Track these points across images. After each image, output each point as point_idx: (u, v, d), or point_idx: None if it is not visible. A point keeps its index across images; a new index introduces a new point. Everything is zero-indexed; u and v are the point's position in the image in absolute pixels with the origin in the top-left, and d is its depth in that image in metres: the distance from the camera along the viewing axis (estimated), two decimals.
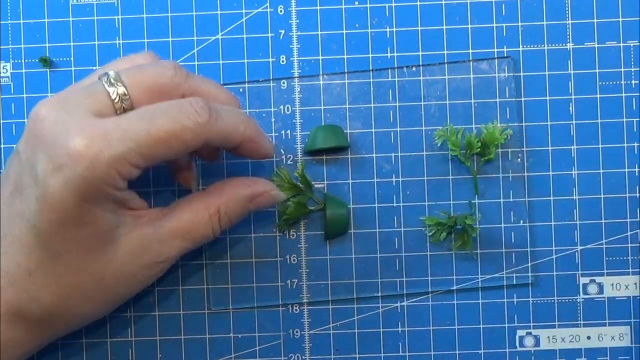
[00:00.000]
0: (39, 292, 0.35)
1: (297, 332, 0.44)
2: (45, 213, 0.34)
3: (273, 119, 0.44)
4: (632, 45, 0.44)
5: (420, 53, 0.44)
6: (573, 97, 0.44)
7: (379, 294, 0.44)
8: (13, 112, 0.44)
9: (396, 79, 0.44)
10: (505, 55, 0.44)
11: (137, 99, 0.35)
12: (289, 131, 0.44)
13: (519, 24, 0.44)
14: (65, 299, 0.36)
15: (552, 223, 0.44)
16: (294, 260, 0.44)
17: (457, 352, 0.44)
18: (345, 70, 0.44)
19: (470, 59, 0.44)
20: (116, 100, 0.35)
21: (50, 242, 0.34)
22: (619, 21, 0.44)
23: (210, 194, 0.39)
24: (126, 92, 0.35)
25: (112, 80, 0.35)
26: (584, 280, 0.44)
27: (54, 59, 0.44)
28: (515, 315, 0.44)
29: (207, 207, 0.38)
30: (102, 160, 0.33)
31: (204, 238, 0.38)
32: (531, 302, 0.44)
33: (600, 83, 0.44)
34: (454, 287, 0.44)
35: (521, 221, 0.44)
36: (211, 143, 0.36)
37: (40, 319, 0.36)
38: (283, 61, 0.44)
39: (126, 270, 0.36)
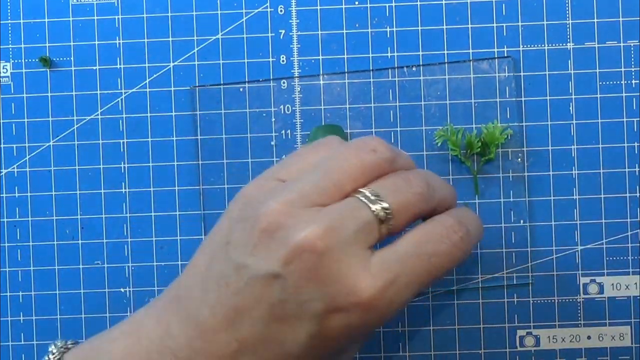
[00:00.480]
0: None
1: None
2: (314, 350, 0.31)
3: (273, 119, 0.44)
4: (632, 45, 0.44)
5: (420, 53, 0.44)
6: (573, 97, 0.44)
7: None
8: (13, 112, 0.44)
9: (396, 79, 0.44)
10: (505, 55, 0.44)
11: (398, 222, 0.32)
12: (289, 131, 0.44)
13: (519, 24, 0.44)
14: None
15: (552, 223, 0.44)
16: None
17: (457, 352, 0.44)
18: (345, 70, 0.44)
19: (471, 59, 0.44)
20: (383, 227, 0.32)
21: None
22: (619, 21, 0.44)
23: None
24: (391, 216, 0.32)
25: (378, 203, 0.32)
26: (584, 280, 0.44)
27: (54, 59, 0.44)
28: (516, 315, 0.44)
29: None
30: (392, 309, 0.31)
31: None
32: (531, 302, 0.44)
33: (600, 83, 0.44)
34: (454, 287, 0.44)
35: (521, 221, 0.44)
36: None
37: None
38: (283, 61, 0.44)
39: None
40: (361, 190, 0.32)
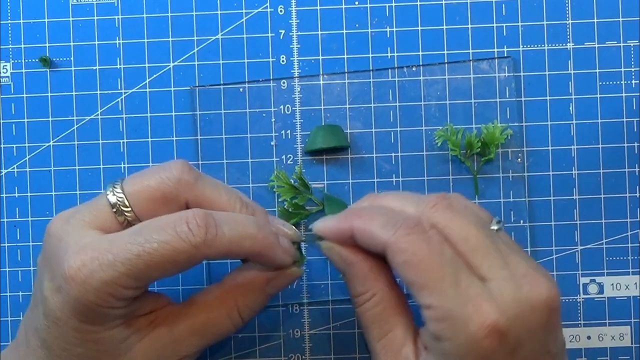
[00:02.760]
0: None
1: (297, 332, 0.44)
2: (51, 330, 0.33)
3: (273, 119, 0.44)
4: (632, 45, 0.44)
5: (420, 53, 0.44)
6: (573, 97, 0.44)
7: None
8: (13, 112, 0.44)
9: (396, 79, 0.44)
10: (505, 55, 0.44)
11: (139, 210, 0.34)
12: (289, 131, 0.44)
13: (519, 24, 0.44)
14: None
15: (552, 223, 0.44)
16: None
17: None
18: (345, 70, 0.44)
19: (470, 59, 0.44)
20: (117, 214, 0.34)
21: (57, 356, 0.34)
22: (619, 21, 0.44)
23: (226, 287, 0.36)
24: (127, 204, 0.34)
25: (116, 191, 0.34)
26: (584, 280, 0.44)
27: (54, 59, 0.44)
28: None
29: (223, 303, 0.36)
30: (92, 284, 0.32)
31: (225, 332, 0.36)
32: None
33: (600, 83, 0.44)
34: None
35: (521, 221, 0.44)
36: (214, 259, 0.35)
37: None
38: (283, 61, 0.44)
39: None
40: (113, 181, 0.35)
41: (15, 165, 0.44)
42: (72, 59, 0.44)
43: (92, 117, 0.44)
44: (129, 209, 0.34)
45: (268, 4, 0.44)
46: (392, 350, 0.35)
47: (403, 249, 0.32)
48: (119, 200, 0.34)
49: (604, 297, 0.44)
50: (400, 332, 0.35)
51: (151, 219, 0.33)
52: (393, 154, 0.44)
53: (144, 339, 0.35)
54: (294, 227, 0.38)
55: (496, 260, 0.32)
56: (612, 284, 0.44)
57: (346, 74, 0.44)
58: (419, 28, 0.44)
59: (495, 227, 0.34)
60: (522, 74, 0.44)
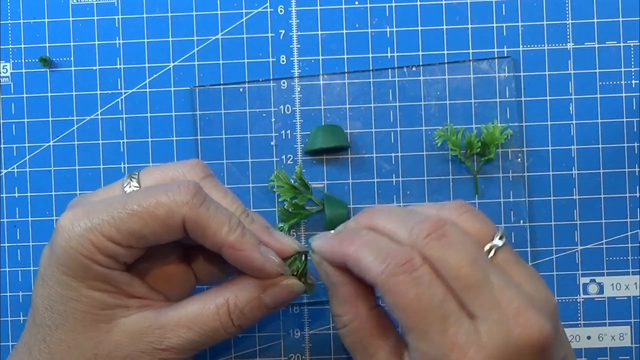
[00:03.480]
0: None
1: (297, 332, 0.44)
2: (38, 287, 0.34)
3: (273, 119, 0.44)
4: (632, 45, 0.44)
5: (420, 53, 0.44)
6: (573, 97, 0.44)
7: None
8: (13, 112, 0.44)
9: (396, 79, 0.44)
10: (505, 55, 0.44)
11: None
12: (289, 131, 0.44)
13: (519, 24, 0.44)
14: None
15: (552, 223, 0.44)
16: None
17: None
18: (345, 70, 0.44)
19: (470, 59, 0.44)
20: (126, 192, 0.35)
21: (40, 316, 0.34)
22: (619, 21, 0.44)
23: (221, 286, 0.36)
24: (138, 186, 0.35)
25: (132, 176, 0.35)
26: (584, 280, 0.44)
27: (54, 59, 0.44)
28: None
29: (214, 297, 0.35)
30: (76, 231, 0.33)
31: (213, 332, 0.35)
32: None
33: (600, 83, 0.44)
34: None
35: (521, 221, 0.44)
36: (189, 231, 0.34)
37: None
38: (283, 61, 0.44)
39: (123, 353, 0.35)
40: (130, 174, 0.36)
41: (15, 165, 0.44)
42: (72, 59, 0.44)
43: (92, 117, 0.44)
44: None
45: (268, 4, 0.44)
46: None
47: (392, 291, 0.31)
48: (131, 181, 0.35)
49: (604, 297, 0.44)
50: (384, 356, 0.34)
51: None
52: (393, 154, 0.44)
53: (131, 315, 0.35)
54: (291, 241, 0.37)
55: (487, 300, 0.31)
56: (612, 284, 0.44)
57: (346, 74, 0.44)
58: (419, 28, 0.44)
59: (499, 243, 0.34)
60: (522, 74, 0.44)
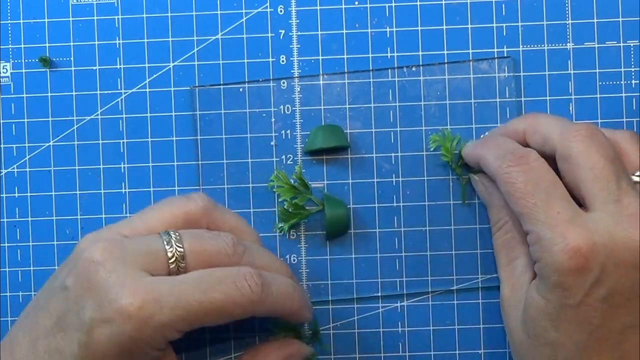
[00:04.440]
0: None
1: None
2: (81, 357, 0.33)
3: (273, 119, 0.44)
4: (632, 45, 0.44)
5: (420, 53, 0.44)
6: (573, 97, 0.44)
7: (379, 294, 0.44)
8: (13, 112, 0.44)
9: (396, 79, 0.44)
10: (505, 55, 0.44)
11: (192, 265, 0.35)
12: (289, 131, 0.44)
13: (519, 24, 0.44)
14: None
15: None
16: (294, 260, 0.44)
17: (457, 352, 0.44)
18: (345, 70, 0.44)
19: (470, 59, 0.44)
20: (172, 264, 0.35)
21: None
22: (619, 21, 0.44)
23: None
24: (184, 257, 0.35)
25: (174, 242, 0.35)
26: None
27: (54, 59, 0.44)
28: None
29: None
30: (151, 325, 0.33)
31: None
32: None
33: (600, 83, 0.44)
34: (454, 287, 0.44)
35: None
36: (256, 315, 0.36)
37: None
38: (283, 61, 0.44)
39: None
40: (169, 231, 0.36)
41: (15, 165, 0.44)
42: (72, 59, 0.44)
43: (92, 117, 0.44)
44: (184, 263, 0.35)
45: (268, 4, 0.44)
46: (514, 277, 0.39)
47: (505, 180, 0.36)
48: (177, 251, 0.35)
49: None
50: (523, 262, 0.38)
51: (209, 269, 0.35)
52: (393, 154, 0.44)
53: None
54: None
55: (610, 195, 0.34)
56: None
57: (346, 74, 0.44)
58: (419, 28, 0.44)
59: (637, 180, 0.36)
60: (522, 74, 0.44)
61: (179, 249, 0.35)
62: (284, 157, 0.44)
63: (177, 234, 0.36)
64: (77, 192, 0.44)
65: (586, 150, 0.35)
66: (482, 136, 0.43)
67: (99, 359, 0.33)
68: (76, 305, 0.34)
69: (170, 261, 0.35)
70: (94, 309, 0.33)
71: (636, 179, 0.37)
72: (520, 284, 0.38)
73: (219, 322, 0.35)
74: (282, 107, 0.44)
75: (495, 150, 0.38)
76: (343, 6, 0.44)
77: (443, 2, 0.44)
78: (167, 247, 0.35)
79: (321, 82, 0.44)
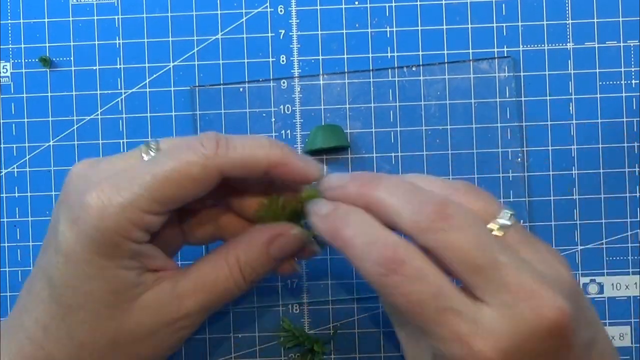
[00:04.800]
0: (53, 349, 0.34)
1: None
2: (60, 265, 0.33)
3: (273, 119, 0.44)
4: (632, 45, 0.44)
5: (420, 53, 0.44)
6: (573, 97, 0.44)
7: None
8: (13, 112, 0.44)
9: (396, 79, 0.44)
10: (505, 55, 0.44)
11: None
12: (289, 131, 0.44)
13: (519, 24, 0.44)
14: (78, 358, 0.34)
15: (552, 223, 0.44)
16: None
17: None
18: (345, 70, 0.44)
19: (470, 59, 0.44)
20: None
21: (63, 295, 0.33)
22: (619, 21, 0.44)
23: (228, 244, 0.36)
24: (159, 150, 0.34)
25: (150, 145, 0.35)
26: (584, 280, 0.44)
27: (54, 59, 0.44)
28: None
29: (225, 258, 0.35)
30: (110, 209, 0.32)
31: (227, 292, 0.36)
32: None
33: (600, 83, 0.44)
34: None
35: (521, 221, 0.44)
36: (231, 175, 0.34)
37: None
38: (283, 61, 0.44)
39: (144, 330, 0.34)
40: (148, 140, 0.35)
41: (15, 165, 0.44)
42: (72, 59, 0.44)
43: (92, 117, 0.44)
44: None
45: (268, 4, 0.44)
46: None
47: (387, 293, 0.31)
48: (151, 150, 0.35)
49: (604, 297, 0.44)
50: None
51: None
52: (393, 154, 0.44)
53: (148, 291, 0.34)
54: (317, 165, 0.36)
55: (496, 283, 0.29)
56: (612, 284, 0.44)
57: (346, 74, 0.44)
58: (419, 28, 0.44)
59: (508, 223, 0.32)
60: (522, 74, 0.44)
61: (153, 145, 0.35)
62: None
63: (155, 140, 0.35)
64: None
65: (449, 240, 0.30)
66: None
67: (73, 262, 0.33)
68: (53, 224, 0.34)
69: (145, 157, 0.34)
70: (65, 214, 0.33)
71: (501, 221, 0.32)
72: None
73: (189, 192, 0.33)
74: (282, 107, 0.44)
75: (359, 243, 0.31)
76: (343, 6, 0.44)
77: (443, 2, 0.44)
78: (143, 151, 0.35)
79: (321, 82, 0.44)
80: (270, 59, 0.44)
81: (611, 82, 0.44)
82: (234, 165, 0.33)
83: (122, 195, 0.32)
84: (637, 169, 0.44)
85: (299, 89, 0.44)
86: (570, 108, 0.44)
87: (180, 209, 0.35)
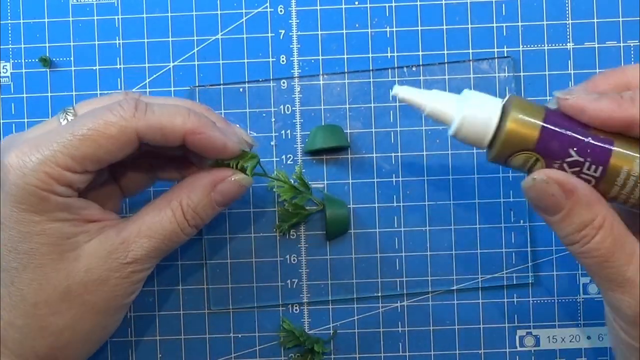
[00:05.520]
0: (10, 315, 0.35)
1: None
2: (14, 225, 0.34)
3: (273, 119, 0.44)
4: (632, 45, 0.44)
5: (420, 53, 0.44)
6: None
7: (379, 294, 0.44)
8: (13, 112, 0.44)
9: (396, 79, 0.44)
10: (505, 55, 0.44)
11: None
12: (289, 131, 0.44)
13: (519, 24, 0.44)
14: (36, 317, 0.35)
15: None
16: (294, 260, 0.44)
17: (457, 352, 0.44)
18: (345, 70, 0.44)
19: (470, 59, 0.44)
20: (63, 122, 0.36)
21: (5, 261, 0.34)
22: (619, 21, 0.44)
23: (173, 189, 0.37)
24: (75, 114, 0.36)
25: (67, 110, 0.36)
26: (584, 280, 0.44)
27: (54, 59, 0.44)
28: (515, 315, 0.44)
29: (168, 202, 0.36)
30: (29, 166, 0.33)
31: (173, 235, 0.36)
32: (531, 302, 0.44)
33: None
34: (454, 287, 0.44)
35: (521, 221, 0.44)
36: (148, 139, 0.34)
37: (21, 344, 0.35)
38: (283, 61, 0.44)
39: (93, 277, 0.35)
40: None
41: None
42: (72, 59, 0.44)
43: None
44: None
45: (268, 4, 0.44)
46: None
47: None
48: (67, 115, 0.36)
49: None
50: None
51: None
52: (393, 154, 0.44)
53: (93, 239, 0.35)
54: (243, 133, 0.39)
55: None
56: None
57: (346, 74, 0.44)
58: (419, 28, 0.44)
59: None
60: (522, 74, 0.44)
61: (70, 115, 0.36)
62: (284, 157, 0.44)
63: (72, 106, 0.37)
64: None
65: None
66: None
67: (7, 222, 0.34)
68: None
69: (61, 122, 0.36)
70: None
71: None
72: None
73: (108, 152, 0.34)
74: (282, 107, 0.44)
75: None
76: (343, 6, 0.44)
77: (443, 2, 0.44)
78: (60, 117, 0.36)
79: (321, 82, 0.44)
80: (270, 59, 0.44)
81: None
82: (151, 129, 0.34)
83: (41, 151, 0.33)
84: None
85: (299, 89, 0.44)
86: None
87: (113, 166, 0.36)
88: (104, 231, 0.36)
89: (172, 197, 0.36)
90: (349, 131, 0.44)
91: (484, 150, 0.34)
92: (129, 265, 0.36)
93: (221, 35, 0.44)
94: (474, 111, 0.32)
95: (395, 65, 0.44)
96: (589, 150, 0.30)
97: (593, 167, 0.30)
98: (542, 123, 0.31)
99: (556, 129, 0.31)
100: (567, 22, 0.44)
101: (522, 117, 0.31)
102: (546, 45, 0.44)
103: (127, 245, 0.35)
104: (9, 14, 0.45)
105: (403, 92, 0.35)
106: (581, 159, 0.30)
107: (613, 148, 0.30)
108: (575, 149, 0.31)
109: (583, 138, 0.31)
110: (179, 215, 0.36)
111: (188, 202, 0.36)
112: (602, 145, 0.30)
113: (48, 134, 0.34)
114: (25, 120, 0.44)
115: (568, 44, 0.44)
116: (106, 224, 0.36)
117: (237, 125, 0.40)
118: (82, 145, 0.33)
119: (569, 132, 0.31)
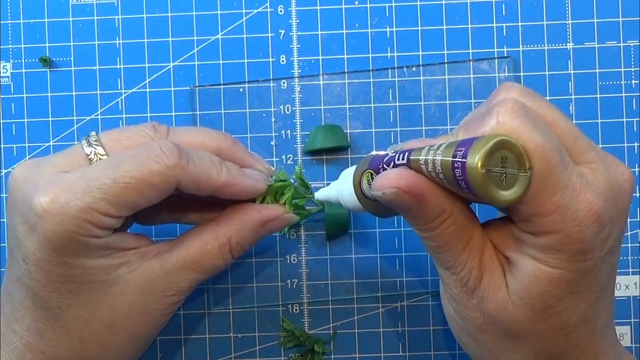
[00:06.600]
0: (54, 351, 0.34)
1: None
2: (33, 274, 0.33)
3: (273, 119, 0.44)
4: (632, 45, 0.44)
5: (420, 53, 0.44)
6: (573, 97, 0.44)
7: (379, 294, 0.44)
8: (13, 112, 0.44)
9: (396, 79, 0.44)
10: (505, 55, 0.44)
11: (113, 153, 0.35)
12: (289, 131, 0.44)
13: (519, 24, 0.44)
14: (81, 351, 0.35)
15: None
16: (294, 260, 0.44)
17: (457, 352, 0.44)
18: (345, 70, 0.44)
19: (470, 59, 0.44)
20: (93, 160, 0.35)
21: (46, 301, 0.34)
22: (619, 21, 0.44)
23: (220, 223, 0.37)
24: (104, 152, 0.35)
25: (92, 141, 0.35)
26: None
27: (54, 59, 0.44)
28: None
29: (216, 237, 0.36)
30: (68, 214, 0.32)
31: (215, 268, 0.37)
32: None
33: (600, 83, 0.44)
34: None
35: None
36: (183, 188, 0.34)
37: None
38: (283, 61, 0.44)
39: (137, 310, 0.35)
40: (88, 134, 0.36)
41: (15, 165, 0.44)
42: (72, 59, 0.44)
43: (92, 117, 0.44)
44: (106, 155, 0.35)
45: (268, 4, 0.44)
46: (476, 251, 0.33)
47: (519, 129, 0.30)
48: (96, 149, 0.35)
49: None
50: (479, 235, 0.33)
51: (123, 150, 0.35)
52: None
53: (136, 271, 0.35)
54: (266, 163, 0.40)
55: (584, 142, 0.32)
56: None
57: (346, 74, 0.44)
58: (419, 28, 0.44)
59: None
60: (522, 74, 0.44)
61: (97, 147, 0.35)
62: (284, 157, 0.44)
63: (95, 133, 0.36)
64: None
65: (539, 105, 0.32)
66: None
67: (44, 269, 0.33)
68: (10, 227, 0.34)
69: (89, 155, 0.35)
70: (21, 223, 0.33)
71: None
72: (487, 256, 0.33)
73: (145, 198, 0.33)
74: (282, 107, 0.44)
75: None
76: (343, 6, 0.44)
77: (443, 2, 0.44)
78: (85, 148, 0.35)
79: (321, 82, 0.44)
80: (270, 59, 0.44)
81: (611, 82, 0.44)
82: (190, 180, 0.34)
83: (80, 198, 0.32)
84: (637, 169, 0.44)
85: (299, 89, 0.44)
86: (570, 108, 0.44)
87: None
88: (147, 262, 0.35)
89: (220, 232, 0.36)
90: (349, 131, 0.44)
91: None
92: (171, 297, 0.36)
93: (221, 35, 0.44)
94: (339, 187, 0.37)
95: (395, 65, 0.44)
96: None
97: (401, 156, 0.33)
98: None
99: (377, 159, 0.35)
100: (567, 22, 0.44)
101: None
102: (546, 45, 0.44)
103: (171, 279, 0.35)
104: (9, 14, 0.45)
105: (318, 194, 0.39)
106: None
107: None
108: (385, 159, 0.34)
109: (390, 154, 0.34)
110: (226, 251, 0.37)
111: (237, 239, 0.37)
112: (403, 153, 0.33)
113: (83, 175, 0.33)
114: (25, 120, 0.44)
115: (568, 44, 0.44)
116: (148, 250, 0.36)
117: (255, 154, 0.40)
118: (124, 194, 0.32)
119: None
